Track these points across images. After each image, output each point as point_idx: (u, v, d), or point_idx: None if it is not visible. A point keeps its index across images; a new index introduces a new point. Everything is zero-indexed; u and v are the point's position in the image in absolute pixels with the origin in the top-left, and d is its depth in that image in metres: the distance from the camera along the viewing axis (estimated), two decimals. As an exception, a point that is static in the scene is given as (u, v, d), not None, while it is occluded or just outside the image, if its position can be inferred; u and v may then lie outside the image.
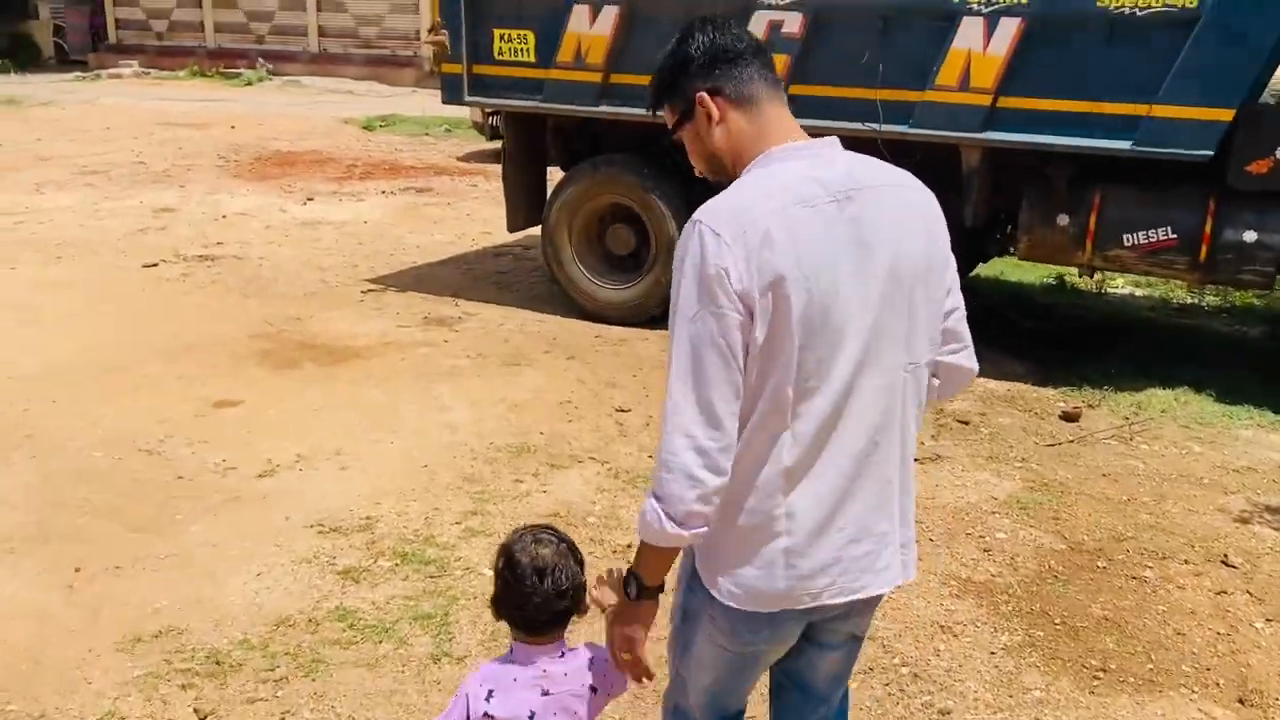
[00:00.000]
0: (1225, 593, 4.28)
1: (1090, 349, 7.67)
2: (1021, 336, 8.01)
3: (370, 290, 8.66)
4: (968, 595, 4.23)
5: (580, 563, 2.12)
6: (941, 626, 4.00)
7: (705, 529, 1.83)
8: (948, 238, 2.02)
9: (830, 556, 1.91)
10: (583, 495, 5.06)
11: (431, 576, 4.27)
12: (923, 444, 5.82)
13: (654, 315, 7.80)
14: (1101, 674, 3.70)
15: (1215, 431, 6.22)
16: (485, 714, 2.03)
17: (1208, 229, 6.52)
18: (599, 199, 7.94)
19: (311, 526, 4.66)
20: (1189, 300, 9.13)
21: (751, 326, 1.78)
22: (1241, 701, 3.53)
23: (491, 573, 2.20)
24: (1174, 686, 3.63)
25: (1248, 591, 4.29)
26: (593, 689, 2.11)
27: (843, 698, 2.35)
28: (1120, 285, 9.48)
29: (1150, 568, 4.48)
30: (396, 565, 4.34)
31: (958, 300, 2.08)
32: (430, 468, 5.32)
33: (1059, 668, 3.74)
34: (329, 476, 5.20)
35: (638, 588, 1.95)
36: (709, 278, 1.77)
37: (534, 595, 2.03)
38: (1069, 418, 6.37)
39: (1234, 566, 4.50)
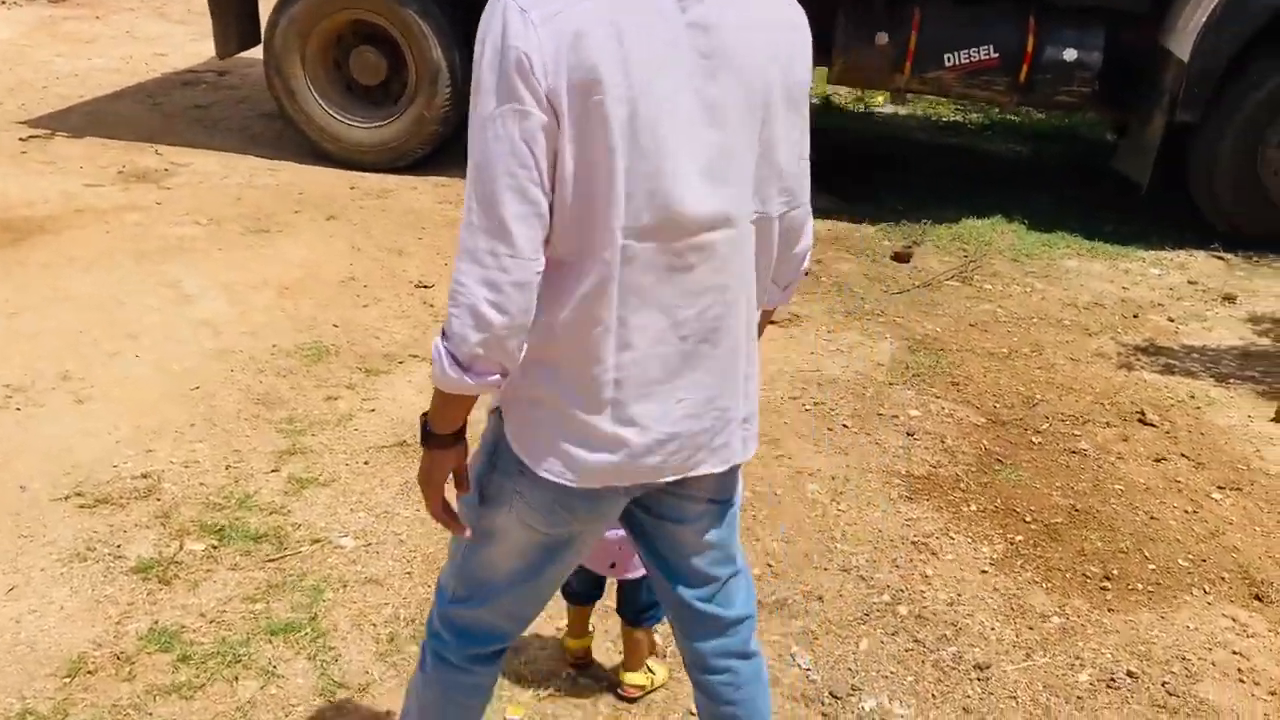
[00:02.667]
0: (1163, 458, 3.97)
1: (880, 174, 7.29)
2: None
3: (33, 137, 6.73)
4: (920, 497, 3.65)
5: None
6: (913, 544, 3.40)
7: (498, 379, 1.58)
8: (810, 68, 1.70)
9: (665, 431, 1.67)
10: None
11: (270, 560, 3.13)
12: (774, 302, 5.16)
13: (418, 158, 6.55)
14: (1107, 583, 3.25)
15: (1044, 264, 6.01)
16: None
17: (1029, 47, 6.15)
18: (336, 16, 6.43)
19: (67, 498, 3.32)
20: (954, 118, 8.96)
21: (560, 136, 1.47)
22: (1259, 599, 3.20)
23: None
24: (1182, 589, 3.25)
25: (1183, 455, 4.01)
26: None
27: (741, 584, 1.98)
28: (881, 104, 9.16)
29: (1079, 436, 4.10)
30: (214, 548, 3.15)
31: (808, 147, 1.77)
32: (204, 389, 4.01)
33: (1060, 582, 3.26)
34: (64, 414, 3.78)
35: (424, 433, 1.71)
36: (509, 65, 1.45)
37: None
38: (901, 258, 5.93)
39: (1153, 425, 4.22)
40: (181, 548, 3.14)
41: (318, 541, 3.22)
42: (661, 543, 1.88)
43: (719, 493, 1.84)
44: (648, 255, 1.56)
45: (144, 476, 3.46)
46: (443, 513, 1.77)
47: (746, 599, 1.98)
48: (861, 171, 7.34)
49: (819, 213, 6.09)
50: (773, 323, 5.08)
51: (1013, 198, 6.87)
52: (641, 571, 2.46)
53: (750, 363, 1.76)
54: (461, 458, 1.74)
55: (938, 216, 6.49)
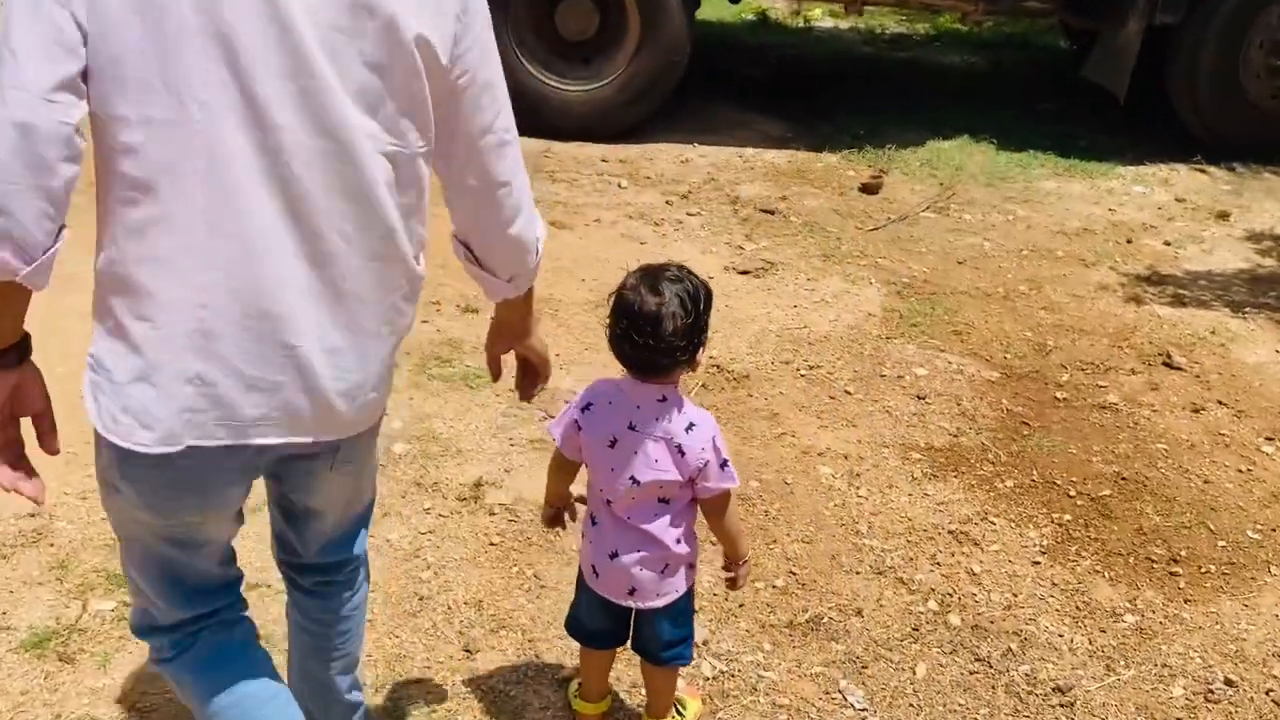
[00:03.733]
0: (1200, 408, 3.58)
1: (829, 95, 6.78)
2: (753, 87, 6.94)
3: None
4: (946, 473, 3.21)
5: (698, 313, 1.81)
6: (950, 533, 2.96)
7: (7, 259, 1.25)
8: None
9: (231, 379, 1.40)
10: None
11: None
12: (741, 249, 4.66)
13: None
14: (1176, 567, 2.85)
15: (1022, 188, 5.58)
16: (575, 420, 1.93)
17: (997, -50, 5.64)
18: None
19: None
20: (899, 29, 8.44)
21: None
22: (1347, 573, 2.82)
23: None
24: (1259, 567, 2.87)
25: (1220, 403, 3.62)
26: (679, 450, 1.85)
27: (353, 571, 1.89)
28: (819, 16, 8.60)
29: (1105, 388, 3.69)
30: (126, 605, 2.56)
31: (496, 120, 1.52)
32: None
33: (1124, 569, 2.85)
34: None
35: None
36: None
37: (625, 337, 1.79)
38: (870, 189, 5.45)
39: (1180, 368, 3.82)
40: (85, 609, 2.56)
41: (256, 587, 2.65)
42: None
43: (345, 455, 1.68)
44: (180, 143, 1.32)
45: (30, 516, 2.84)
46: (11, 470, 1.45)
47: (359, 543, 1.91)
48: (808, 93, 6.83)
49: (773, 140, 5.51)
50: (746, 274, 4.62)
51: (976, 115, 6.42)
52: (668, 599, 2.01)
53: (383, 320, 1.53)
54: (31, 389, 1.43)
55: (901, 140, 6.01)
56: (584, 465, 2.00)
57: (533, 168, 5.31)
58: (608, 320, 1.84)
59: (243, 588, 1.82)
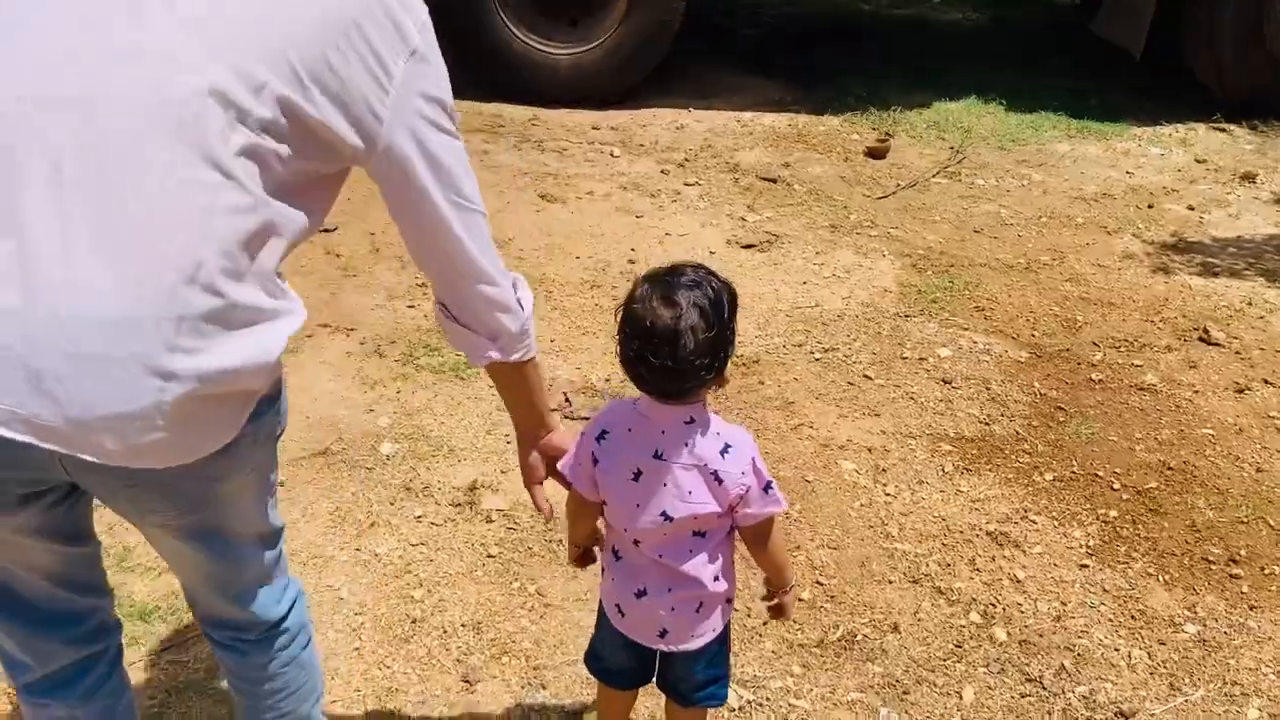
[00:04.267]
0: (1244, 388, 3.35)
1: (828, 53, 6.49)
2: (749, 48, 6.65)
3: None
4: (980, 466, 2.97)
5: (721, 322, 1.53)
6: (988, 534, 2.72)
7: None
8: None
9: None
10: (340, 398, 3.15)
11: (169, 646, 2.29)
12: (744, 220, 4.39)
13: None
14: (1236, 569, 2.63)
15: (1034, 150, 5.31)
16: (592, 453, 1.65)
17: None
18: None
19: None
20: (897, -14, 8.13)
21: None
22: None
23: None
24: (1325, 564, 2.64)
25: (1265, 381, 3.39)
26: (716, 478, 1.59)
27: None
28: (814, -27, 8.26)
29: (1140, 367, 3.45)
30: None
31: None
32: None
33: (1179, 571, 2.62)
34: None
35: None
36: None
37: (638, 356, 1.52)
38: (876, 154, 5.18)
39: (1219, 344, 3.58)
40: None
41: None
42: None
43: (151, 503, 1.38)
44: None
45: None
46: None
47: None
48: (807, 53, 6.53)
49: (772, 104, 5.18)
50: (748, 246, 4.35)
51: (983, 74, 6.14)
52: (703, 640, 1.76)
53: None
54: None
55: (906, 101, 5.73)
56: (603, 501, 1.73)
57: (520, 136, 5.03)
58: (617, 337, 1.59)
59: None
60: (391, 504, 2.75)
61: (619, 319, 1.57)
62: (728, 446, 1.61)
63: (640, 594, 1.71)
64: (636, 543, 1.68)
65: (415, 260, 1.54)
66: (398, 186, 1.41)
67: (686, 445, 1.60)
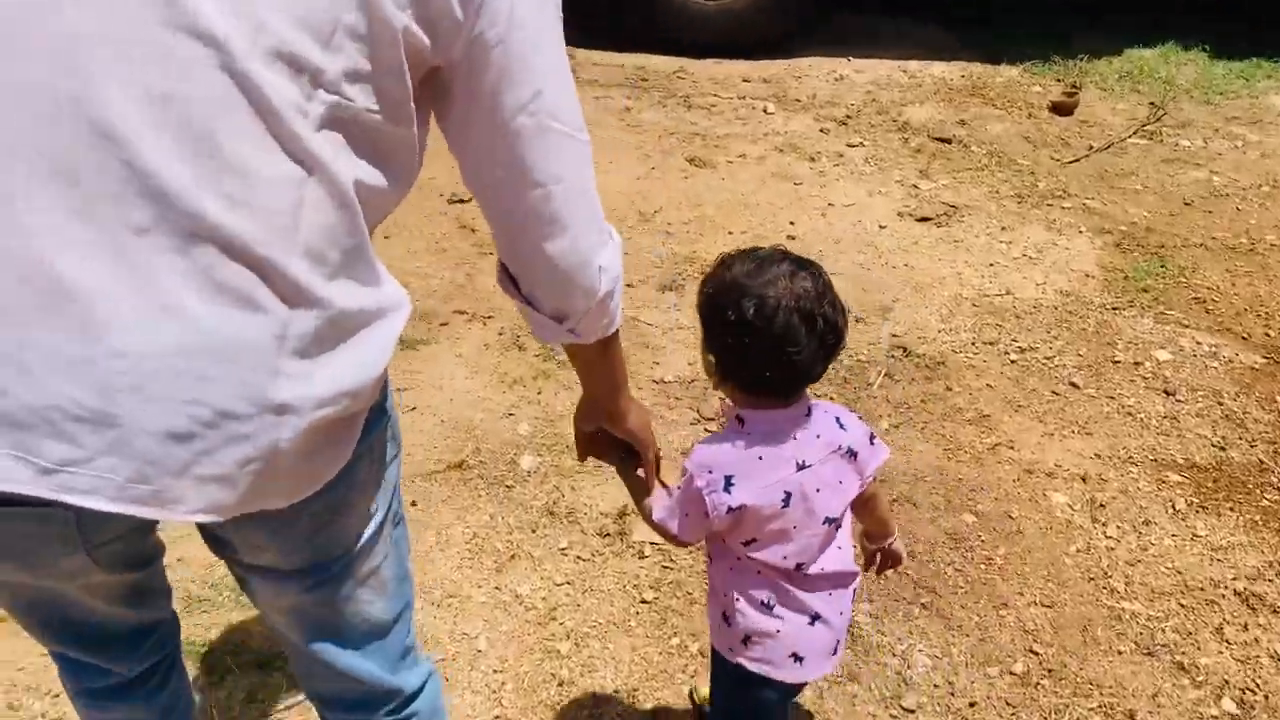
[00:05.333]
0: None
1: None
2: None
3: None
4: (1218, 503, 2.51)
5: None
6: (1237, 594, 2.28)
7: None
8: None
9: None
10: (476, 397, 2.86)
11: (286, 709, 2.05)
12: (917, 189, 3.92)
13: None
14: None
15: (1245, 105, 4.66)
16: (730, 507, 1.41)
17: None
18: None
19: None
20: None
21: None
22: None
23: (700, 317, 1.43)
24: None
25: None
26: (852, 454, 1.47)
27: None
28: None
29: None
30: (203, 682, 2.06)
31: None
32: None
33: None
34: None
35: None
36: None
37: (799, 349, 1.34)
38: (1062, 109, 4.61)
39: None
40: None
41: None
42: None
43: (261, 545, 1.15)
44: None
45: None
46: None
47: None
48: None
49: (940, 51, 4.58)
50: (923, 219, 3.88)
51: (1182, 15, 5.44)
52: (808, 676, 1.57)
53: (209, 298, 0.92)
54: None
55: (1093, 48, 5.11)
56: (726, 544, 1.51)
57: (665, 91, 4.62)
58: (726, 339, 1.38)
59: None
60: (533, 531, 2.45)
61: (730, 317, 1.35)
62: (838, 419, 1.48)
63: (814, 620, 1.52)
64: (799, 567, 1.48)
65: (479, 202, 1.16)
66: (466, 84, 1.04)
67: (819, 438, 1.45)
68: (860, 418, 1.52)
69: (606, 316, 1.24)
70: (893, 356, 3.03)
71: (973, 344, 3.08)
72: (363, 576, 1.23)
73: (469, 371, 2.99)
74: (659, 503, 1.49)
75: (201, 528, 1.13)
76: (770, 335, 1.35)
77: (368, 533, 1.20)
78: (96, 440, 0.89)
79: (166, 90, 0.85)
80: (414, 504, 2.53)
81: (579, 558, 2.37)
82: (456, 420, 2.79)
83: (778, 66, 5.00)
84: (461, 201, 3.82)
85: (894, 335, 3.12)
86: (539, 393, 2.90)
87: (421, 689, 1.38)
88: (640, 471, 1.50)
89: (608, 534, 2.44)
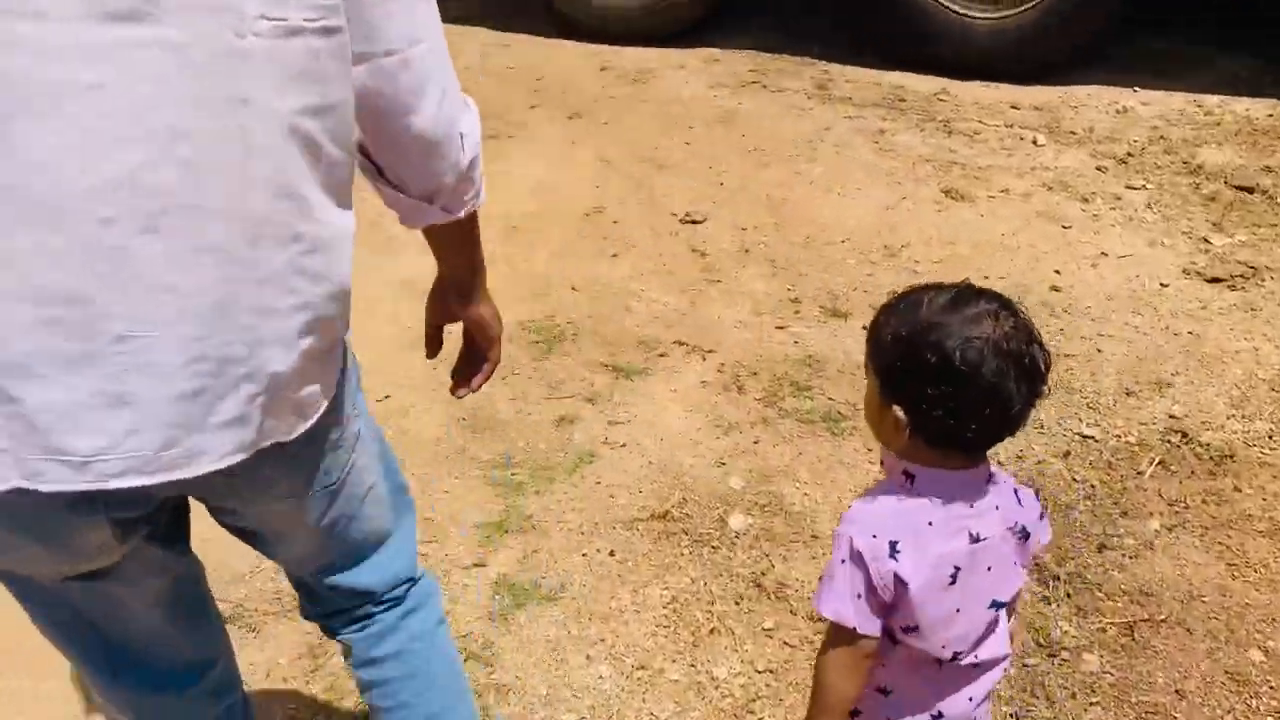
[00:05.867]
0: None
1: None
2: (1213, 9, 5.40)
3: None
4: None
5: None
6: None
7: None
8: None
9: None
10: (688, 440, 2.65)
11: None
12: (1208, 244, 3.43)
13: (680, 26, 5.04)
14: None
15: None
16: (896, 575, 1.20)
17: None
18: None
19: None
20: None
21: None
22: None
23: (877, 364, 1.24)
24: None
25: None
26: (1025, 533, 1.28)
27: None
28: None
29: None
30: None
31: None
32: (395, 399, 2.82)
33: None
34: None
35: None
36: None
37: (1011, 398, 1.16)
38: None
39: None
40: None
41: (528, 738, 1.96)
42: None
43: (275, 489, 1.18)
44: None
45: (276, 592, 2.29)
46: None
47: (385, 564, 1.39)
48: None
49: (1244, 84, 3.96)
50: (1214, 280, 3.39)
51: None
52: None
53: (260, 284, 1.00)
54: None
55: None
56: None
57: (923, 114, 4.28)
58: (924, 389, 1.17)
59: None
60: (737, 604, 2.22)
61: (932, 361, 1.16)
62: (1016, 490, 1.30)
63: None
64: (955, 656, 1.27)
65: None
66: None
67: (997, 509, 1.26)
68: (1037, 493, 1.33)
69: (473, 187, 1.24)
70: (1169, 442, 2.62)
71: (1270, 437, 2.63)
72: (363, 494, 1.31)
73: (683, 410, 2.78)
74: (824, 591, 1.24)
75: (210, 507, 1.20)
76: (980, 384, 1.15)
77: (357, 453, 1.27)
78: (117, 424, 0.94)
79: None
80: (613, 554, 2.35)
81: (785, 642, 2.13)
82: (665, 464, 2.60)
83: (1051, 93, 4.56)
84: (694, 222, 3.63)
85: (1172, 416, 2.71)
86: (755, 443, 2.66)
87: (422, 577, 1.46)
88: (476, 380, 1.45)
89: (820, 619, 2.17)
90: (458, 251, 1.36)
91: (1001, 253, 3.46)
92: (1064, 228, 3.59)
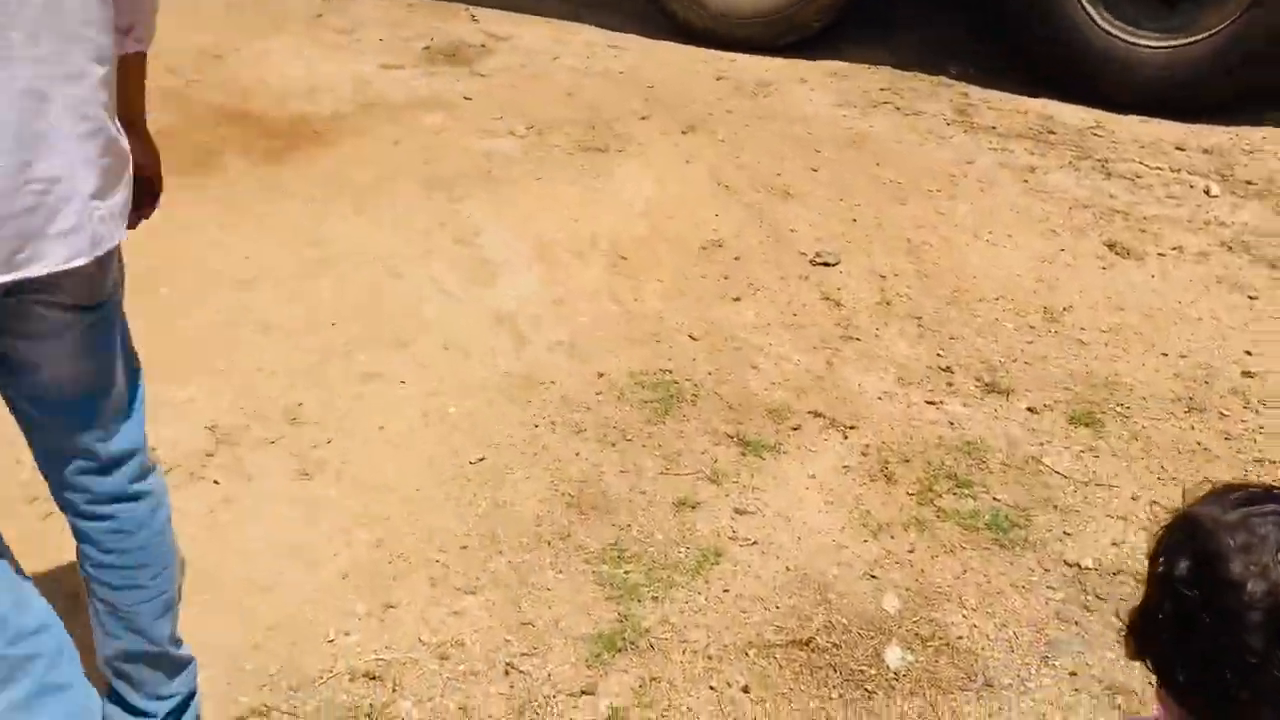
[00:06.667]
0: None
1: None
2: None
3: (329, -4, 5.33)
4: None
5: None
6: None
7: None
8: None
9: None
10: (831, 542, 2.26)
11: None
12: None
13: (802, 34, 4.62)
14: None
15: None
16: None
17: None
18: None
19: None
20: None
21: None
22: None
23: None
24: None
25: None
26: None
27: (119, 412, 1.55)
28: None
29: None
30: None
31: None
32: (490, 462, 2.46)
33: None
34: (276, 501, 2.33)
35: None
36: None
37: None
38: None
39: None
40: None
41: None
42: (11, 360, 1.43)
43: (79, 297, 1.40)
44: None
45: (368, 676, 1.94)
46: None
47: (129, 433, 1.56)
48: None
49: None
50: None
51: None
52: None
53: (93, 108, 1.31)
54: None
55: None
56: None
57: (1076, 150, 3.84)
58: (1188, 638, 0.92)
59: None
60: (901, 771, 1.82)
61: (1203, 609, 0.92)
62: None
63: None
64: None
65: None
66: None
67: None
68: None
69: (153, 18, 1.48)
70: None
71: None
72: (120, 319, 1.51)
73: (823, 501, 2.39)
74: None
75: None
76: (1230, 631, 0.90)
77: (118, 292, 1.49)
78: None
79: None
80: (746, 689, 1.97)
81: (962, 831, 1.73)
82: (806, 572, 2.21)
83: (1221, 134, 4.08)
84: (826, 264, 3.23)
85: None
86: (911, 550, 2.27)
87: (152, 466, 1.62)
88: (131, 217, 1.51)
89: (1002, 801, 1.78)
90: (136, 84, 1.51)
91: (1178, 324, 3.03)
92: (1249, 297, 3.14)
